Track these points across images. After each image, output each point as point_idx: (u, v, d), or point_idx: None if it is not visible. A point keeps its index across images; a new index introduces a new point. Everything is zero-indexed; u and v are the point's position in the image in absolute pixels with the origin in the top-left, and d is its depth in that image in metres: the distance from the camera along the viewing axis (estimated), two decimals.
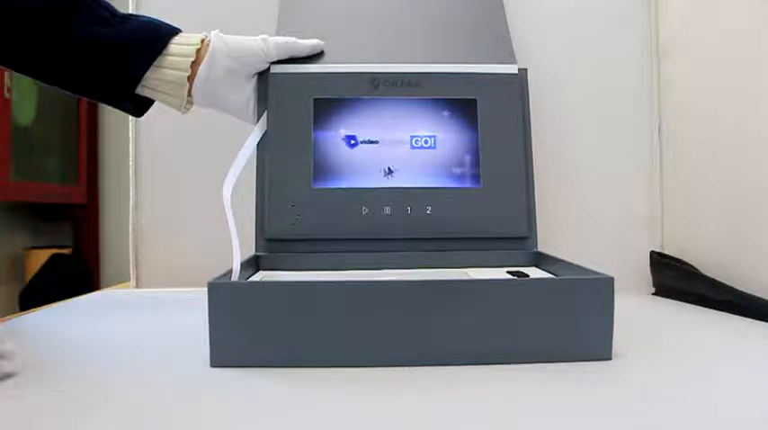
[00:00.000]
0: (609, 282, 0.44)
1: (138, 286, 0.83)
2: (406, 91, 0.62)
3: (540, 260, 0.60)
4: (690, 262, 0.71)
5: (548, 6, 0.82)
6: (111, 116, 2.18)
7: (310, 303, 0.43)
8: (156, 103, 0.62)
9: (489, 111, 0.62)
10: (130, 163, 0.84)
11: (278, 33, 0.64)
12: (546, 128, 0.75)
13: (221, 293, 0.43)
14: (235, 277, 0.49)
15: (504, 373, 0.42)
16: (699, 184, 0.72)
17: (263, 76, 0.62)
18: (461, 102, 0.62)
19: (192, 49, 0.58)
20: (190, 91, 0.59)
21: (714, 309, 0.64)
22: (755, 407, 0.36)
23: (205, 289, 0.43)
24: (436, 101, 0.62)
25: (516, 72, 0.64)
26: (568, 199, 0.80)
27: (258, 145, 0.61)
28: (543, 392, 0.39)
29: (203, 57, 0.58)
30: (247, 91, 0.61)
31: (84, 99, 0.63)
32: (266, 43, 0.61)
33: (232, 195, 0.56)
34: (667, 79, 0.79)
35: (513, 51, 0.65)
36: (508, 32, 0.67)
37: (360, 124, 0.61)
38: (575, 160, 0.81)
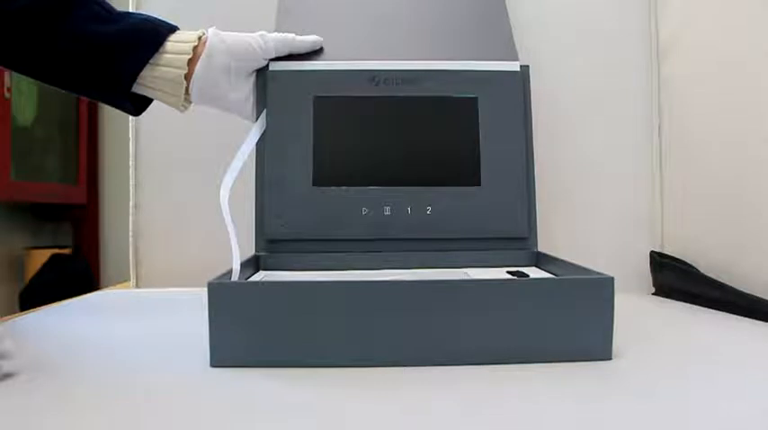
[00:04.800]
0: (609, 282, 0.44)
1: (138, 286, 0.83)
2: (406, 88, 0.62)
3: (540, 260, 0.60)
4: (690, 262, 0.71)
5: (547, 7, 0.82)
6: (111, 116, 2.18)
7: (310, 303, 0.43)
8: (155, 102, 0.62)
9: (490, 110, 0.62)
10: (130, 163, 0.84)
11: (276, 30, 0.64)
12: (546, 128, 0.75)
13: (221, 293, 0.43)
14: (235, 277, 0.49)
15: (504, 373, 0.42)
16: (699, 184, 0.72)
17: (261, 73, 0.62)
18: (462, 100, 0.62)
19: (189, 47, 0.58)
20: (187, 89, 0.59)
21: (714, 309, 0.64)
22: (755, 407, 0.36)
23: (205, 289, 0.43)
24: (436, 98, 0.62)
25: (518, 69, 0.63)
26: (568, 199, 0.80)
27: (258, 144, 0.61)
28: (543, 392, 0.39)
29: (200, 54, 0.58)
30: (246, 88, 0.61)
31: (84, 99, 0.63)
32: (264, 40, 0.60)
33: (231, 195, 0.56)
34: (667, 79, 0.79)
35: (515, 48, 0.65)
36: (510, 28, 0.66)
37: (360, 122, 0.61)
38: (575, 160, 0.81)
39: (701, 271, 0.68)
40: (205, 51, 0.58)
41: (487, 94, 0.62)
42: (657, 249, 0.79)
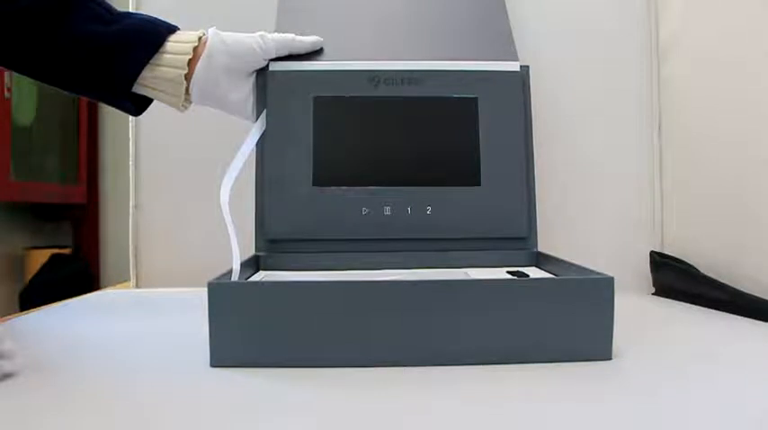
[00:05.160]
0: (609, 282, 0.44)
1: (138, 286, 0.83)
2: (407, 89, 0.62)
3: (540, 260, 0.60)
4: (690, 262, 0.71)
5: (547, 7, 0.82)
6: (111, 116, 2.18)
7: (310, 303, 0.43)
8: (155, 102, 0.62)
9: (490, 110, 0.62)
10: (130, 163, 0.84)
11: (277, 30, 0.64)
12: (546, 128, 0.75)
13: (221, 293, 0.43)
14: (235, 277, 0.49)
15: (504, 373, 0.42)
16: (699, 184, 0.72)
17: (261, 73, 0.62)
18: (462, 100, 0.62)
19: (190, 47, 0.58)
20: (188, 89, 0.59)
21: (714, 308, 0.64)
22: (755, 407, 0.36)
23: (205, 289, 0.43)
24: (436, 99, 0.62)
25: (518, 69, 0.63)
26: (568, 199, 0.80)
27: (258, 144, 0.61)
28: (543, 392, 0.39)
29: (200, 54, 0.58)
30: (246, 89, 0.61)
31: (84, 99, 0.63)
32: (264, 40, 0.60)
33: (232, 195, 0.56)
34: (667, 80, 0.79)
35: (515, 48, 0.65)
36: (510, 29, 0.67)
37: (360, 122, 0.61)
38: (575, 160, 0.81)
39: (701, 271, 0.68)
40: (205, 51, 0.58)
41: (487, 94, 0.62)
42: (657, 249, 0.79)
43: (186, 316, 0.59)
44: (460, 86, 0.62)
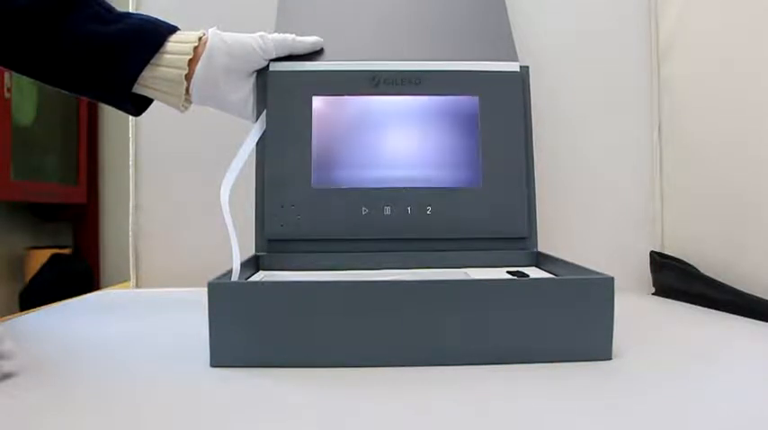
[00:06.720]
0: (609, 282, 0.44)
1: (138, 286, 0.83)
2: (407, 89, 0.62)
3: (540, 260, 0.60)
4: (690, 262, 0.71)
5: (547, 7, 0.82)
6: (111, 116, 2.18)
7: (310, 303, 0.43)
8: (155, 102, 0.62)
9: (490, 110, 0.62)
10: (130, 163, 0.84)
11: (277, 30, 0.64)
12: (546, 128, 0.75)
13: (221, 293, 0.43)
14: (235, 277, 0.49)
15: (504, 373, 0.42)
16: (699, 184, 0.72)
17: (261, 73, 0.62)
18: (462, 100, 0.62)
19: (190, 47, 0.58)
20: (188, 89, 0.59)
21: (714, 308, 0.64)
22: (755, 408, 0.36)
23: (205, 289, 0.43)
24: (437, 99, 0.62)
25: (518, 70, 0.63)
26: (568, 199, 0.80)
27: (258, 144, 0.61)
28: (543, 392, 0.39)
29: (201, 54, 0.58)
30: (246, 89, 0.61)
31: (84, 99, 0.63)
32: (264, 40, 0.60)
33: (231, 195, 0.56)
34: (667, 79, 0.79)
35: (514, 49, 0.65)
36: (510, 29, 0.67)
37: (360, 123, 0.61)
38: (575, 160, 0.81)
39: (701, 271, 0.68)
40: (206, 52, 0.58)
41: (487, 94, 0.62)
42: (657, 249, 0.79)
43: (186, 316, 0.59)
44: (461, 86, 0.62)
